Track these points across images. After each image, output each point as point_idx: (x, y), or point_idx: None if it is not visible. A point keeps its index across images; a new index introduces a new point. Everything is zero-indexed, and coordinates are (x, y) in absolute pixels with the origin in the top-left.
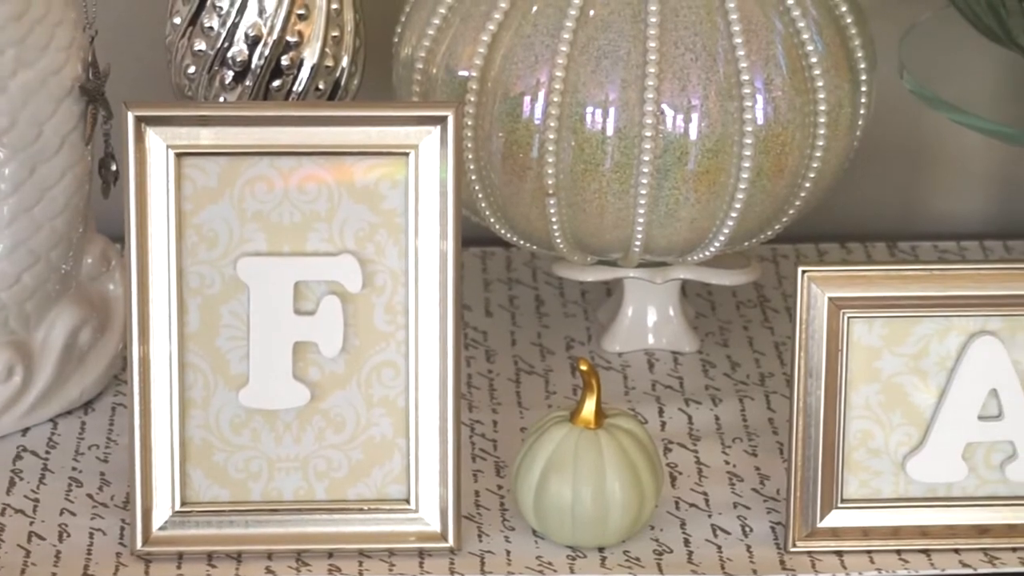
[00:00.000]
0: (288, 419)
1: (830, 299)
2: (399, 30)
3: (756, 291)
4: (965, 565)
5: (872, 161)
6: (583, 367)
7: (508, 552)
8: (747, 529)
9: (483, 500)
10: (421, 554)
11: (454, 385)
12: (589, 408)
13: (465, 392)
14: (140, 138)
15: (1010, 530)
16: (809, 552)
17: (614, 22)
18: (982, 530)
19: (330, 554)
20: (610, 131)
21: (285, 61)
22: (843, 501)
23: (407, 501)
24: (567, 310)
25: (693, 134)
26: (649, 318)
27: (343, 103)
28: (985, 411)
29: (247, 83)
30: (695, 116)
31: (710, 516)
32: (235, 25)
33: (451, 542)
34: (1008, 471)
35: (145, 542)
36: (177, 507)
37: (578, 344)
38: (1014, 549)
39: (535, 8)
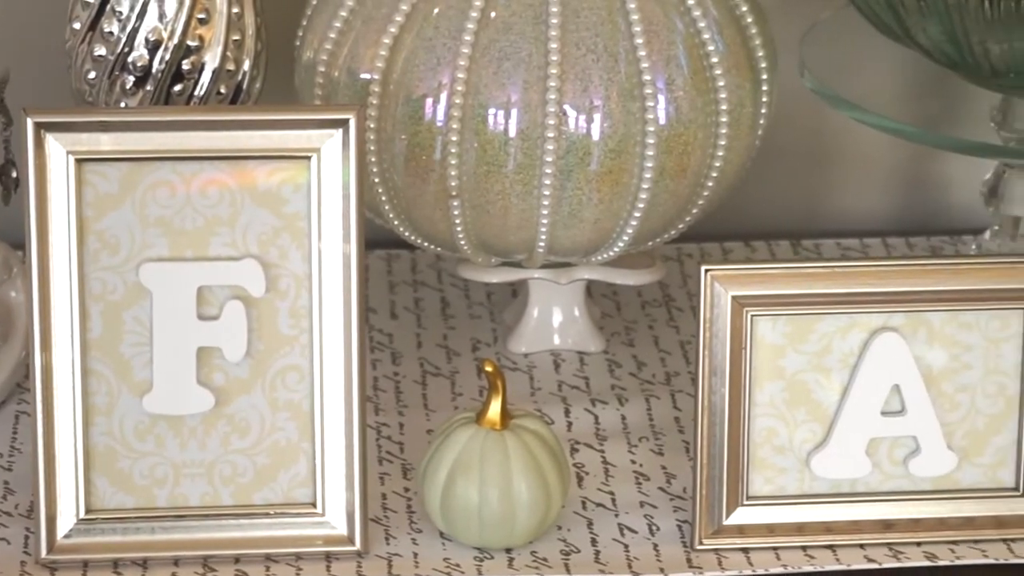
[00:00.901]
0: (193, 425)
1: (733, 298)
2: (300, 33)
3: (661, 290)
4: (870, 560)
5: (775, 160)
6: (488, 368)
7: (415, 554)
8: (654, 528)
9: (390, 503)
10: (328, 558)
11: (359, 388)
12: (495, 409)
13: (371, 395)
14: (40, 144)
15: (914, 524)
16: (715, 550)
17: (515, 24)
18: (886, 525)
19: (236, 559)
20: (512, 132)
21: (186, 65)
22: (748, 498)
23: (313, 505)
24: (473, 312)
25: (595, 135)
26: (554, 319)
27: (245, 107)
28: (888, 407)
29: (148, 88)
30: (597, 117)
31: (617, 515)
32: (135, 30)
33: (358, 545)
34: (911, 466)
35: (50, 550)
36: (82, 515)
37: (484, 345)
38: (918, 543)
39: (436, 10)
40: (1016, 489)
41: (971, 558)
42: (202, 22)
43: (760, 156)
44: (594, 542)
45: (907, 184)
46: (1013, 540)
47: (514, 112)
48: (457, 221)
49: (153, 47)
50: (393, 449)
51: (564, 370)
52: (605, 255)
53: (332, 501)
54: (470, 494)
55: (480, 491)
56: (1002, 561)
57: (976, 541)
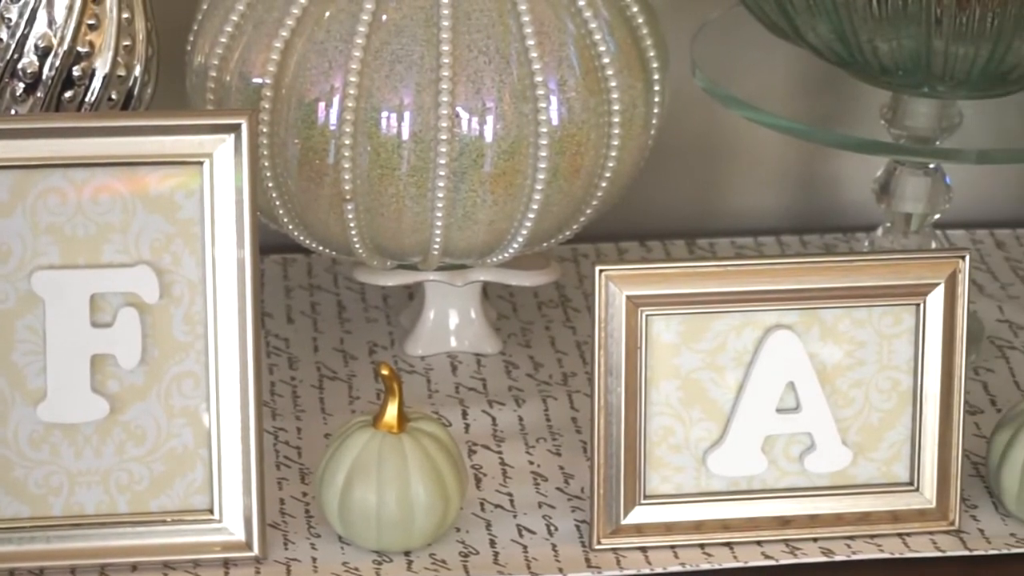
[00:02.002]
0: (88, 433)
1: (628, 297)
2: (192, 38)
3: (557, 291)
4: (767, 556)
5: (669, 159)
6: (384, 372)
7: (314, 559)
8: (552, 528)
9: (288, 508)
10: (226, 564)
11: (255, 393)
12: (391, 412)
13: (268, 400)
14: None
15: (811, 520)
16: (614, 549)
17: (407, 27)
18: (783, 521)
19: (134, 567)
20: (406, 135)
21: (77, 72)
22: (646, 497)
23: (211, 511)
24: (369, 315)
25: (488, 136)
26: (451, 321)
27: (136, 113)
28: (783, 404)
29: (38, 94)
30: (490, 119)
31: (515, 516)
32: (24, 36)
33: (256, 551)
34: (807, 462)
35: None
36: None
37: (381, 348)
38: (815, 539)
39: (328, 14)
40: (911, 484)
41: (867, 553)
42: (92, 28)
43: (654, 156)
44: (493, 543)
45: (800, 182)
46: (908, 534)
47: (407, 115)
48: (351, 224)
49: (43, 53)
50: (291, 454)
51: (461, 372)
52: (500, 256)
53: (229, 507)
54: (368, 497)
55: (378, 494)
56: (897, 555)
57: (872, 536)
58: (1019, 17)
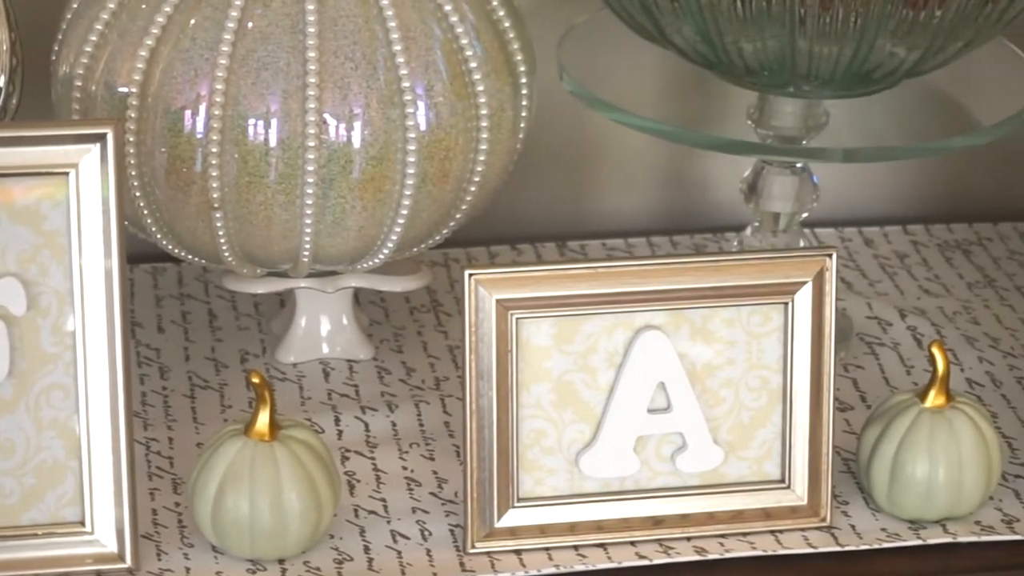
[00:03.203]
0: None
1: (498, 301)
2: (56, 48)
3: (429, 296)
4: (641, 556)
5: (539, 163)
6: (255, 380)
7: (188, 569)
8: (426, 533)
9: (161, 518)
10: None
11: (125, 404)
12: (263, 420)
13: (139, 410)
14: None
15: (683, 520)
16: (488, 552)
17: (273, 33)
18: (656, 521)
19: None
20: (273, 142)
21: None
22: (519, 500)
23: (82, 524)
24: (240, 323)
25: (356, 142)
26: (322, 327)
27: (0, 124)
28: (654, 404)
29: None
30: (358, 125)
31: (389, 522)
32: None
33: (129, 562)
34: (679, 462)
35: None
36: None
37: (252, 356)
38: (688, 538)
39: (193, 21)
40: (782, 481)
41: (740, 551)
42: None
43: (523, 160)
44: (367, 549)
45: (669, 183)
46: (780, 531)
47: (274, 122)
48: (220, 233)
49: None
50: (163, 464)
51: (333, 379)
52: (371, 262)
53: (101, 519)
54: (240, 506)
55: (250, 503)
56: (770, 552)
57: (744, 534)
58: (882, 17)
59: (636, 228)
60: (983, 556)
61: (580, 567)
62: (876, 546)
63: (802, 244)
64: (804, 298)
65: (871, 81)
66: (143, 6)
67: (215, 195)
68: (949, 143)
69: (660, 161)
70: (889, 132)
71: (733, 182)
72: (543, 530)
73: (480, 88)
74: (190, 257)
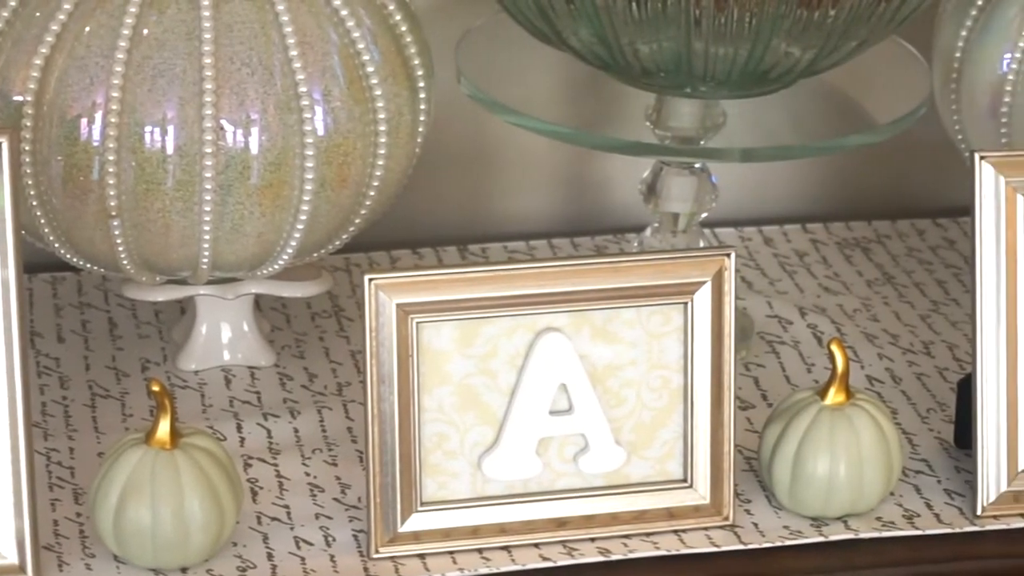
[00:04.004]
0: None
1: (398, 305)
2: None
3: (331, 301)
4: (545, 558)
5: (439, 167)
6: (155, 388)
7: None
8: (330, 539)
9: (62, 529)
10: None
11: (25, 414)
12: (164, 429)
13: (39, 421)
14: None
15: (587, 521)
16: (392, 557)
17: (168, 40)
18: (560, 523)
19: None
20: (170, 149)
21: None
22: (423, 504)
23: None
24: (141, 331)
25: (254, 148)
26: (223, 334)
27: None
28: (556, 406)
29: None
30: (255, 130)
31: (293, 528)
32: None
33: (30, 574)
34: (581, 463)
35: None
36: None
37: (154, 365)
38: (592, 539)
39: (88, 29)
40: (684, 480)
41: (643, 551)
42: None
43: (423, 163)
44: (270, 556)
45: (570, 185)
46: (683, 531)
47: (171, 129)
48: (119, 241)
49: None
50: (64, 474)
51: (235, 386)
52: (271, 268)
53: (2, 530)
54: (142, 516)
55: (152, 512)
56: (674, 552)
57: (648, 534)
58: (776, 17)
59: (537, 230)
60: (885, 552)
61: (484, 570)
62: (779, 544)
63: (702, 244)
64: (703, 298)
65: (767, 81)
66: (37, 14)
67: (112, 203)
68: (845, 141)
69: (560, 163)
70: (786, 131)
71: (633, 183)
72: (447, 534)
73: (378, 92)
74: (89, 266)
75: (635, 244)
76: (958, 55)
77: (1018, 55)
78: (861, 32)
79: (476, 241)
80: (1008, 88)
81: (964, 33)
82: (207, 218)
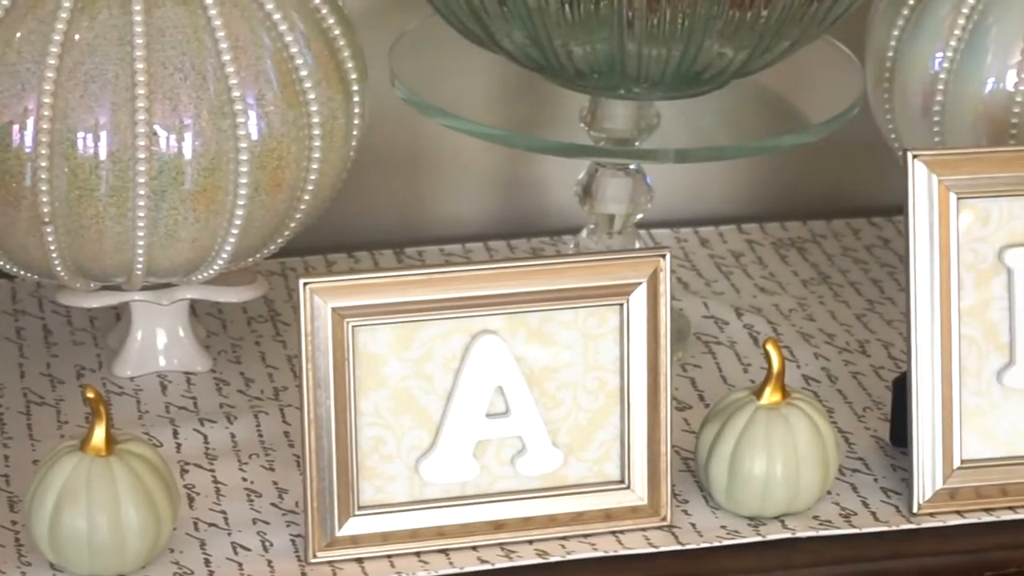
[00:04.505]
0: None
1: (333, 309)
2: None
3: (267, 306)
4: (483, 561)
5: (375, 170)
6: (90, 395)
7: None
8: (267, 544)
9: None
10: None
11: None
12: (99, 436)
13: None
14: None
15: (525, 523)
16: (330, 562)
17: (100, 45)
18: (497, 525)
19: None
20: (103, 155)
21: None
22: (360, 508)
23: None
24: (76, 338)
25: (188, 154)
26: (159, 340)
27: None
28: (492, 408)
29: None
30: (188, 136)
31: (230, 534)
32: None
33: None
34: (518, 465)
35: None
36: None
37: (89, 371)
38: (530, 541)
39: (19, 35)
40: (622, 482)
41: (581, 552)
42: None
43: (359, 167)
44: (207, 562)
45: (506, 188)
46: (621, 532)
47: (103, 135)
48: (52, 247)
49: None
50: None
51: (171, 391)
52: (206, 273)
53: None
54: (78, 523)
55: (88, 519)
56: (612, 553)
57: (586, 535)
58: (709, 18)
59: (473, 233)
60: (822, 550)
61: (422, 573)
62: (716, 544)
63: (637, 245)
64: (639, 299)
65: (701, 82)
66: None
67: (45, 210)
68: (779, 141)
69: (495, 166)
70: (720, 132)
71: (568, 185)
72: (385, 537)
73: (311, 96)
74: (22, 273)
75: (571, 246)
76: (890, 55)
77: (950, 54)
78: (793, 32)
79: (412, 244)
80: (940, 87)
81: (896, 33)
82: (141, 224)
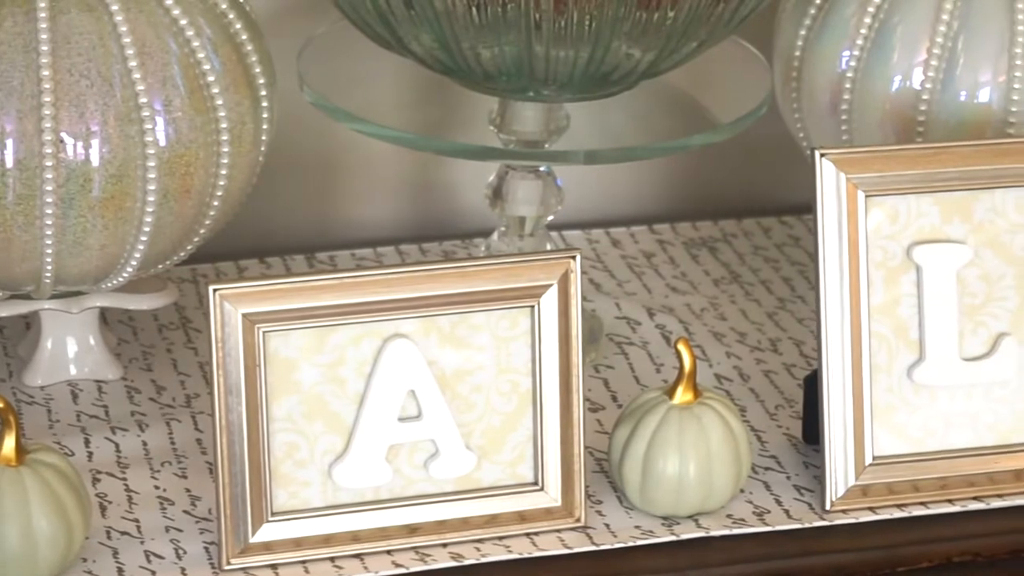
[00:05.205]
0: None
1: (244, 315)
2: None
3: (178, 313)
4: (398, 565)
5: (285, 175)
6: None
7: None
8: (181, 552)
9: None
10: None
11: None
12: (8, 445)
13: None
14: None
15: (439, 526)
16: (244, 568)
17: (5, 53)
18: (412, 529)
19: None
20: (10, 163)
21: None
22: (273, 514)
23: None
24: None
25: (95, 161)
26: (69, 348)
27: None
28: (405, 412)
29: None
30: (95, 142)
31: (143, 542)
32: None
33: None
34: (432, 469)
35: None
36: None
37: None
38: (444, 544)
39: None
40: (536, 483)
41: (496, 555)
42: None
43: (269, 173)
44: (120, 571)
45: (416, 191)
46: (535, 533)
47: (10, 143)
48: None
49: None
50: None
51: (82, 400)
52: (116, 281)
53: None
54: None
55: None
56: (526, 555)
57: (500, 538)
58: (616, 19)
59: (384, 237)
60: (736, 549)
61: None
62: (631, 544)
63: (549, 247)
64: (550, 301)
65: (609, 83)
66: None
67: None
68: (688, 141)
69: (406, 169)
70: (630, 133)
71: (479, 188)
72: (298, 543)
73: (219, 102)
74: None
75: (482, 248)
76: (798, 54)
77: (856, 53)
78: (701, 33)
79: (324, 249)
80: (847, 86)
81: (803, 32)
82: (49, 232)
